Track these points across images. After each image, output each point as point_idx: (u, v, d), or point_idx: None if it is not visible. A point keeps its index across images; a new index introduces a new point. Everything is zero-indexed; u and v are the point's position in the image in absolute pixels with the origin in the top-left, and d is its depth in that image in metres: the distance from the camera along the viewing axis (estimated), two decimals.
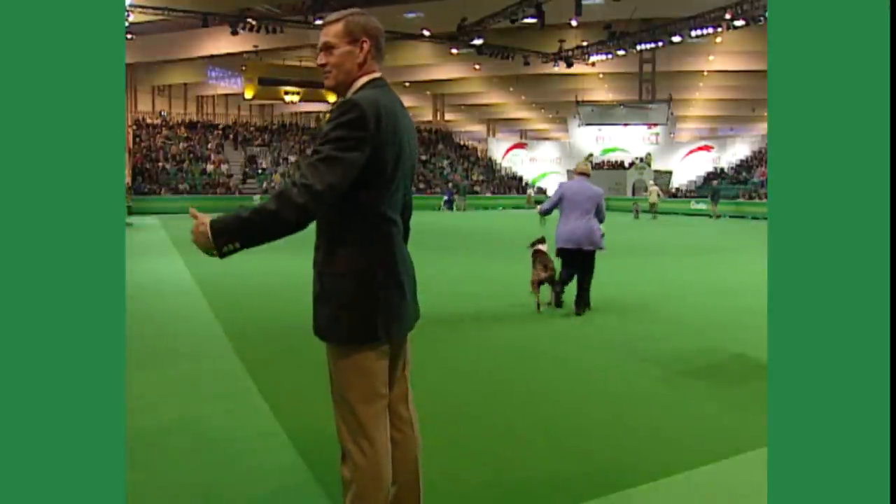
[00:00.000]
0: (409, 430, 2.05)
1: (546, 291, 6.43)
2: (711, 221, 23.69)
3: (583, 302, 6.13)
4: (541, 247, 6.56)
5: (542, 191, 33.81)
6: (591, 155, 29.09)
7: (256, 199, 24.05)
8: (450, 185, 32.90)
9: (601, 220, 6.16)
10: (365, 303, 1.81)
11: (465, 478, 2.69)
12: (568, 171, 37.78)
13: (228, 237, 1.66)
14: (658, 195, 26.45)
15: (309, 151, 1.79)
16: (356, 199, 1.79)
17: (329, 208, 1.78)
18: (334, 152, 1.70)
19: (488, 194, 35.14)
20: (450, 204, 30.38)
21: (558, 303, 6.36)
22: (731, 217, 25.56)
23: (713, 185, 29.36)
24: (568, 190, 6.20)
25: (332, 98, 25.27)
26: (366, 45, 1.86)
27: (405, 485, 2.03)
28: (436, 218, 24.14)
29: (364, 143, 1.72)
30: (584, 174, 6.38)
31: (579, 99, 39.63)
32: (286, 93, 33.90)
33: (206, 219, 1.68)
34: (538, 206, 6.74)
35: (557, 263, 6.33)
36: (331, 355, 1.88)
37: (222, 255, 1.68)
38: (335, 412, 1.90)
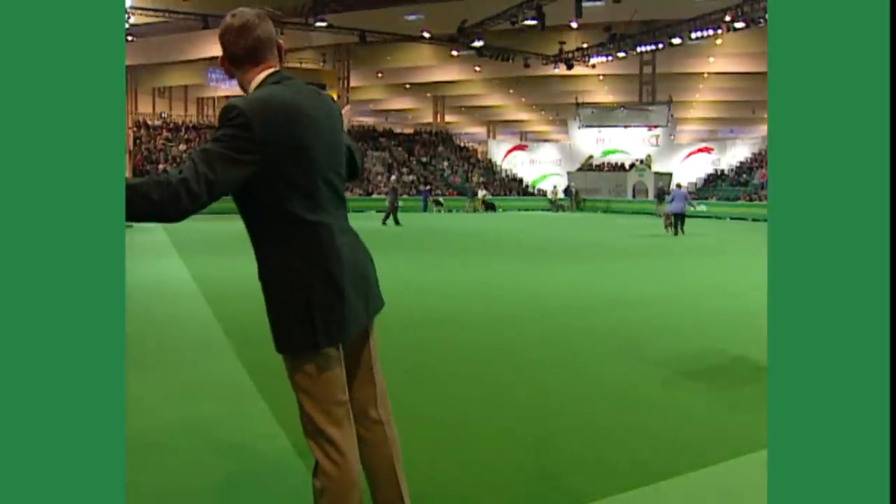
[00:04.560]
0: (381, 431, 1.97)
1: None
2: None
3: (679, 230, 16.57)
4: (666, 212, 17.33)
5: (485, 192, 33.35)
6: (679, 185, 30.35)
7: None
8: (427, 187, 32.86)
9: (687, 200, 17.28)
10: (298, 311, 1.73)
11: (463, 479, 2.68)
12: (568, 173, 37.79)
13: None
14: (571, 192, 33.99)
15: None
16: (271, 207, 1.73)
17: (249, 217, 1.75)
18: (217, 148, 1.61)
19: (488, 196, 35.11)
20: (424, 205, 30.23)
21: (676, 233, 16.58)
22: (731, 218, 25.64)
23: (660, 187, 30.10)
24: (676, 191, 17.60)
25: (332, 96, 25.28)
26: (222, 59, 1.82)
27: (384, 488, 1.97)
28: (434, 220, 24.09)
29: (251, 145, 1.63)
30: (680, 186, 19.95)
31: (579, 101, 39.62)
32: None
33: None
34: (664, 204, 18.79)
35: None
36: (284, 365, 1.83)
37: None
38: (300, 423, 1.84)
